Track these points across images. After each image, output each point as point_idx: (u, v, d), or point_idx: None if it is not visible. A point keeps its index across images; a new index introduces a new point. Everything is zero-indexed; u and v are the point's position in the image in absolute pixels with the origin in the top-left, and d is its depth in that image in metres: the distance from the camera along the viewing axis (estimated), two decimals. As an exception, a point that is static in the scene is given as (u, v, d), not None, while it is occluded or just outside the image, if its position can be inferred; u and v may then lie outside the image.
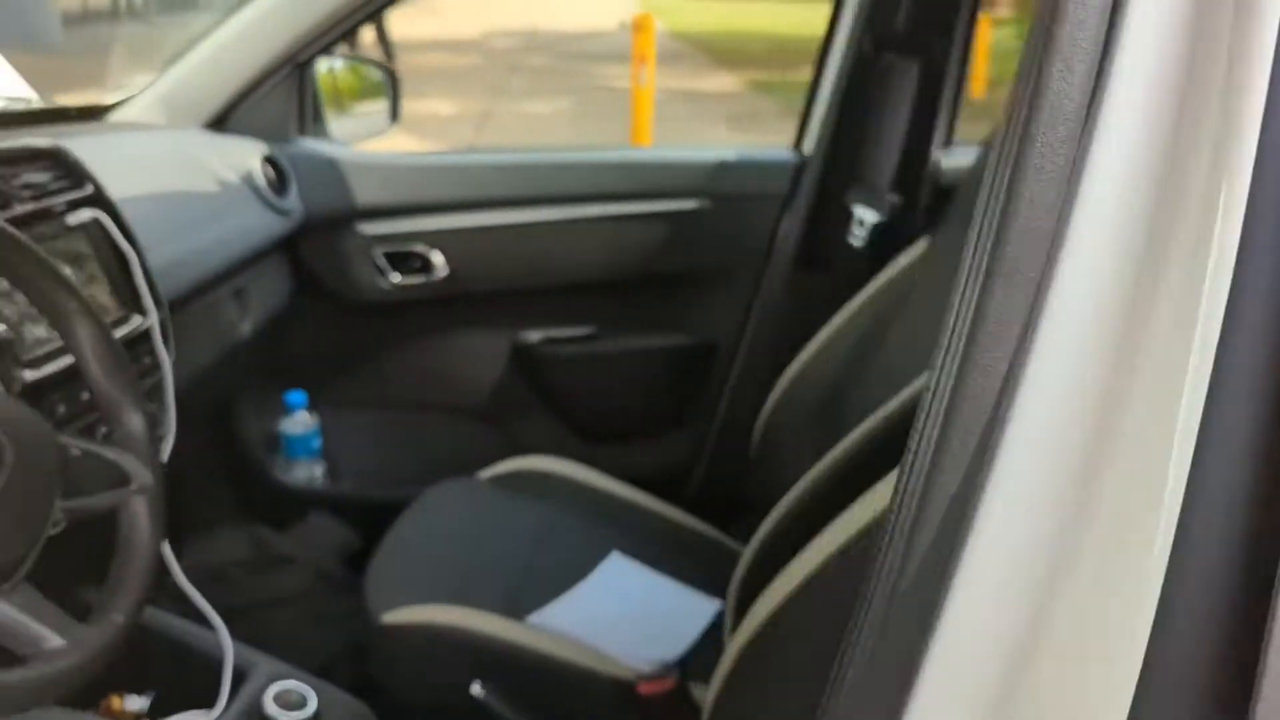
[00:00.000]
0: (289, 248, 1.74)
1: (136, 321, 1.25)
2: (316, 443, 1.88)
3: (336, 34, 1.66)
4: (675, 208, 1.81)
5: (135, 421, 0.96)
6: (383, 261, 1.80)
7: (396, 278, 1.81)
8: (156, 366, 1.28)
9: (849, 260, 1.67)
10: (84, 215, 1.20)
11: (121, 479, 0.93)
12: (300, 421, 1.85)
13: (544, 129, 8.28)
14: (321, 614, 1.48)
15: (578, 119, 9.01)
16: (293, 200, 1.70)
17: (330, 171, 1.77)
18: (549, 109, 9.39)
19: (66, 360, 1.10)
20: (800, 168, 1.77)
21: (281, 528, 1.79)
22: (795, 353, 1.54)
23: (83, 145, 1.27)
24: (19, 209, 1.12)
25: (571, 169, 1.82)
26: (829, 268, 1.74)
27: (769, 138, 8.79)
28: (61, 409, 1.10)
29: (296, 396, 1.84)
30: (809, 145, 1.78)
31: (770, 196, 1.79)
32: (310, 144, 1.79)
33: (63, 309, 0.93)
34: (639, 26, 6.46)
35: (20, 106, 1.58)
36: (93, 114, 1.69)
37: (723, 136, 8.56)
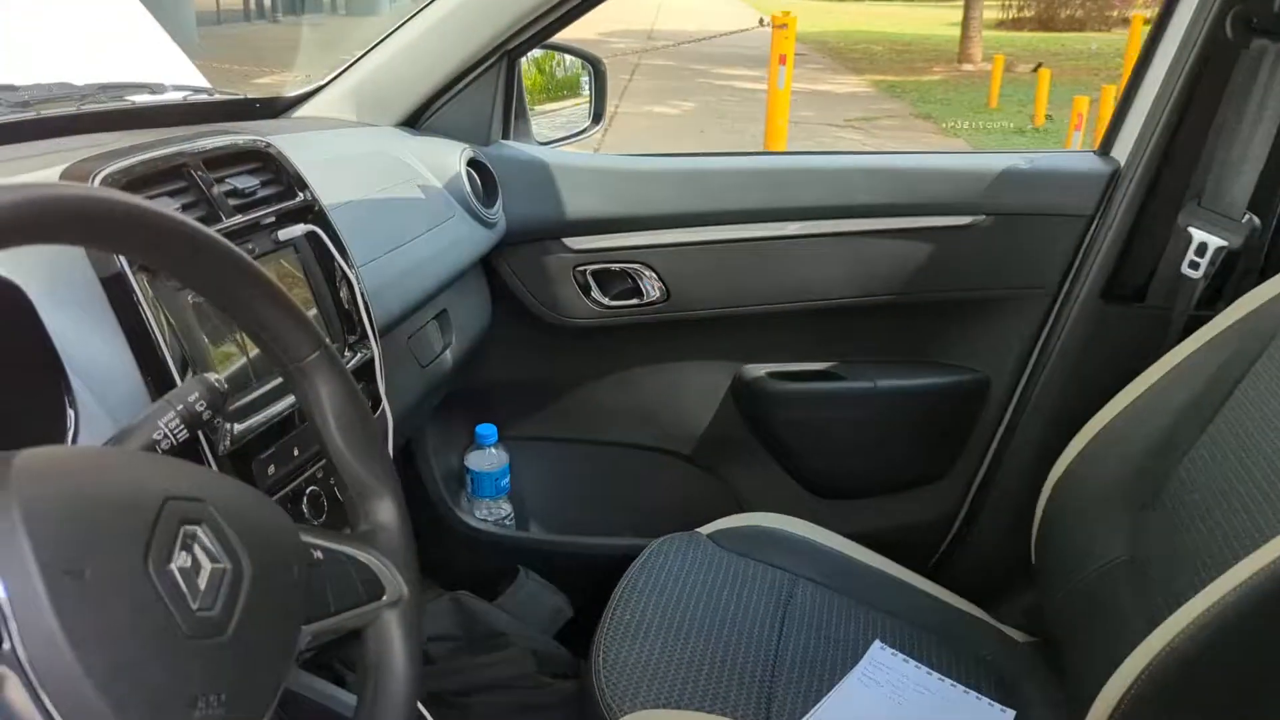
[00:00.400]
0: (484, 263, 1.53)
1: (347, 356, 1.04)
2: (506, 481, 1.66)
3: (549, 20, 1.44)
4: (946, 223, 1.53)
5: (387, 510, 0.74)
6: (591, 281, 1.57)
7: (605, 299, 1.58)
8: (372, 409, 1.07)
9: (1177, 292, 1.37)
10: (296, 230, 0.99)
11: (372, 588, 0.71)
12: (489, 457, 1.64)
13: (673, 131, 8.06)
14: (537, 702, 1.25)
15: (706, 120, 8.77)
16: (498, 210, 1.48)
17: (535, 177, 1.55)
18: (675, 110, 9.17)
19: (278, 408, 0.90)
20: (1113, 178, 1.47)
21: (467, 573, 1.59)
22: (1099, 400, 1.25)
23: (281, 143, 1.07)
24: (228, 222, 0.92)
25: (817, 176, 1.55)
26: (1145, 299, 1.44)
27: (908, 135, 8.42)
28: (271, 470, 0.90)
29: (487, 430, 1.63)
30: (1123, 151, 1.47)
31: (1069, 212, 1.50)
32: (513, 146, 1.58)
33: (303, 359, 0.71)
34: (781, 24, 6.16)
35: (202, 98, 1.39)
36: (275, 107, 1.50)
37: (856, 139, 8.22)
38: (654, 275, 1.56)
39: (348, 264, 1.05)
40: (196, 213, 0.90)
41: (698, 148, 7.47)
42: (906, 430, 1.61)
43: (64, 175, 0.82)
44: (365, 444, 0.74)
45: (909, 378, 1.61)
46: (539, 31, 1.45)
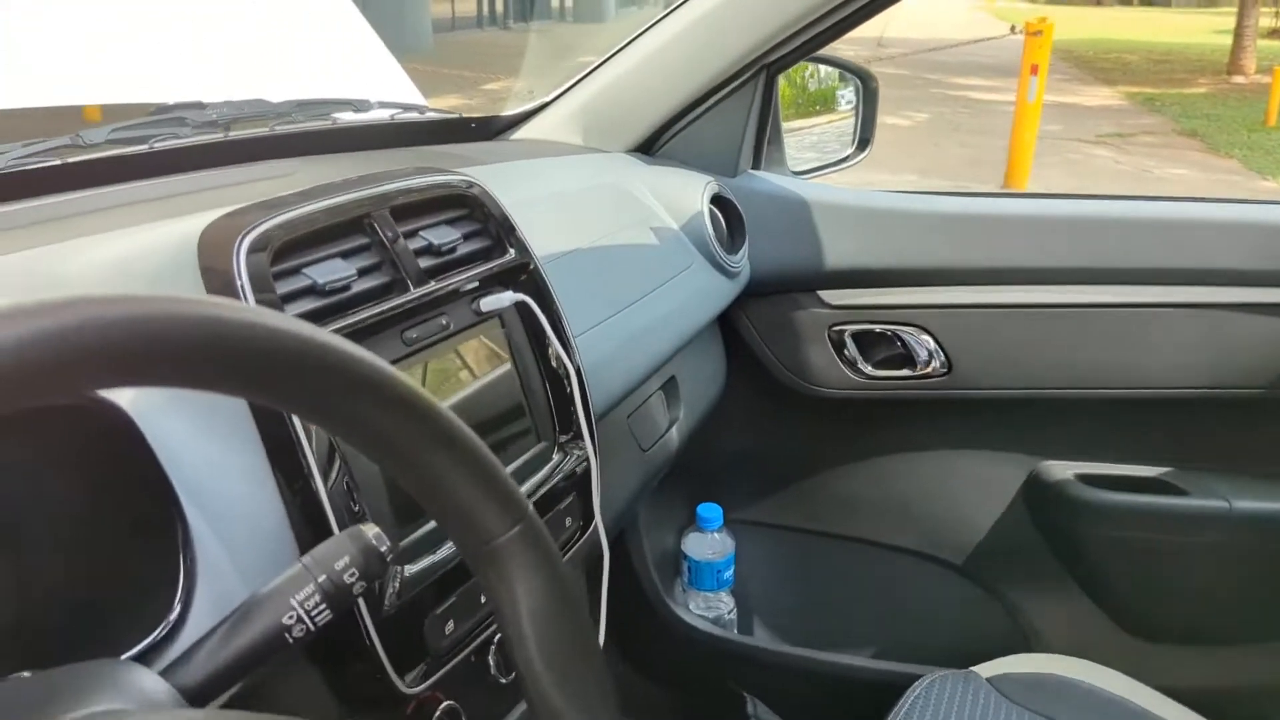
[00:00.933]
0: (721, 315, 1.27)
1: (556, 460, 0.81)
2: (729, 573, 1.41)
3: (819, 30, 1.18)
4: None
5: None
6: (850, 344, 1.29)
7: (867, 367, 1.29)
8: (582, 530, 0.83)
9: None
10: (503, 298, 0.76)
11: None
12: (712, 543, 1.39)
13: (905, 143, 7.60)
14: None
15: (940, 132, 8.25)
16: (743, 256, 1.22)
17: (788, 216, 1.28)
18: (907, 121, 8.68)
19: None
20: None
21: (675, 675, 1.35)
22: None
23: (491, 178, 0.85)
24: (417, 291, 0.70)
25: (1160, 229, 1.21)
26: None
27: (1171, 154, 7.62)
28: (449, 628, 0.68)
29: (711, 511, 1.38)
30: None
31: None
32: (763, 178, 1.32)
33: (494, 539, 0.47)
34: (1035, 31, 5.63)
35: (412, 117, 1.20)
36: (491, 128, 1.30)
37: (1108, 157, 7.52)
38: (931, 341, 1.26)
39: (565, 341, 0.81)
40: (378, 279, 0.69)
41: (931, 162, 7.00)
42: (1269, 565, 1.23)
43: (204, 238, 0.63)
44: (572, 662, 0.49)
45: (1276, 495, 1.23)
46: (806, 43, 1.19)
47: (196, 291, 0.61)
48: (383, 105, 1.17)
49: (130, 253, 0.63)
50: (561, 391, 0.82)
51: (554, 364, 0.81)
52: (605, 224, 1.05)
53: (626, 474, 1.04)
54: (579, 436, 0.82)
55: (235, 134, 0.98)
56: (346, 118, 1.13)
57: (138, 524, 0.55)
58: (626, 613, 1.41)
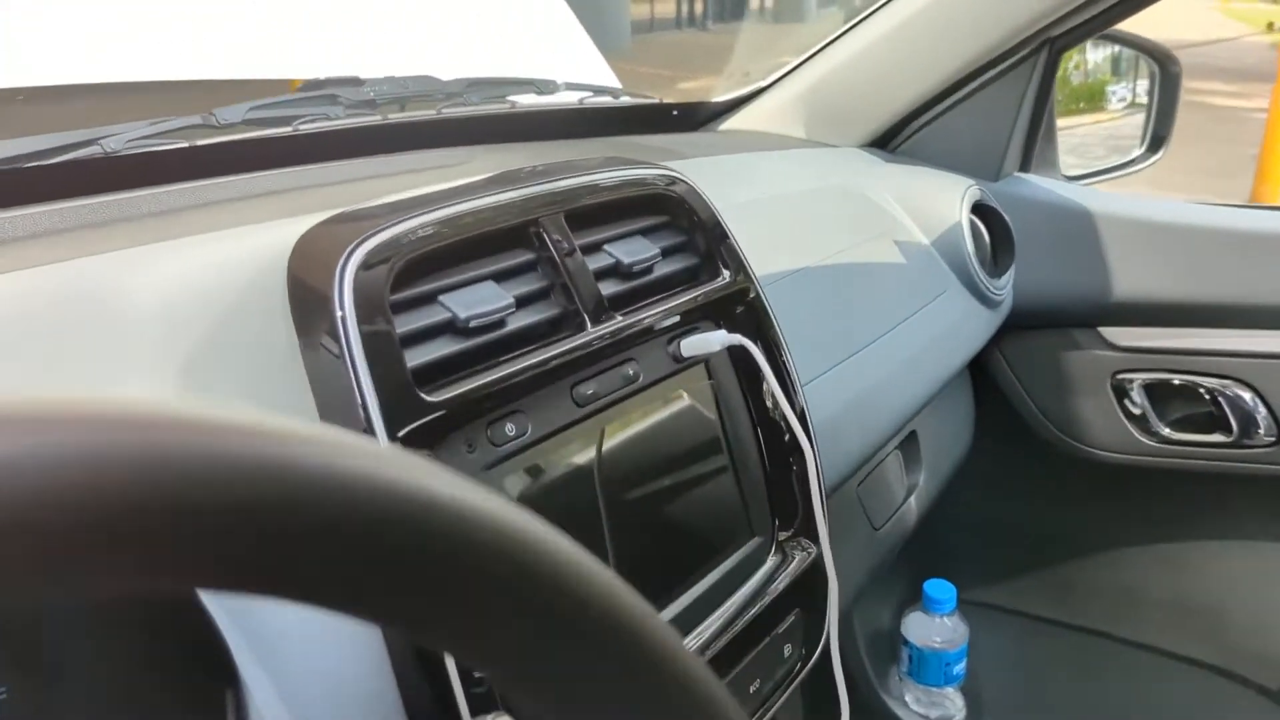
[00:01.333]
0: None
1: (773, 564, 0.59)
2: (961, 666, 1.15)
3: (1111, 1, 0.91)
4: None
5: None
6: (1140, 396, 1.01)
7: (1161, 427, 1.01)
8: (804, 660, 0.61)
9: None
10: (712, 339, 0.55)
11: None
12: (940, 628, 1.13)
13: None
14: None
15: (1173, 140, 7.55)
16: (1008, 281, 0.97)
17: (1062, 231, 1.02)
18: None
19: None
20: None
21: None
22: None
23: (696, 174, 0.63)
24: (597, 330, 0.49)
25: None
26: None
27: None
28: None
29: (942, 590, 1.12)
30: None
31: None
32: (1033, 183, 1.06)
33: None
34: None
35: (604, 102, 1.01)
36: (697, 116, 1.10)
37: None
38: (1255, 400, 0.97)
39: (793, 398, 0.59)
40: (543, 311, 0.49)
41: (1163, 171, 6.37)
42: None
43: (299, 248, 0.44)
44: None
45: None
46: (1100, 14, 0.93)
47: (283, 324, 0.43)
48: (570, 87, 0.98)
49: (210, 268, 0.45)
50: (784, 466, 0.60)
51: (779, 428, 0.59)
52: (838, 237, 0.82)
53: (853, 561, 0.81)
54: (806, 531, 0.60)
55: (395, 117, 0.82)
56: (527, 101, 0.95)
57: (169, 700, 0.36)
58: (827, 696, 1.18)
